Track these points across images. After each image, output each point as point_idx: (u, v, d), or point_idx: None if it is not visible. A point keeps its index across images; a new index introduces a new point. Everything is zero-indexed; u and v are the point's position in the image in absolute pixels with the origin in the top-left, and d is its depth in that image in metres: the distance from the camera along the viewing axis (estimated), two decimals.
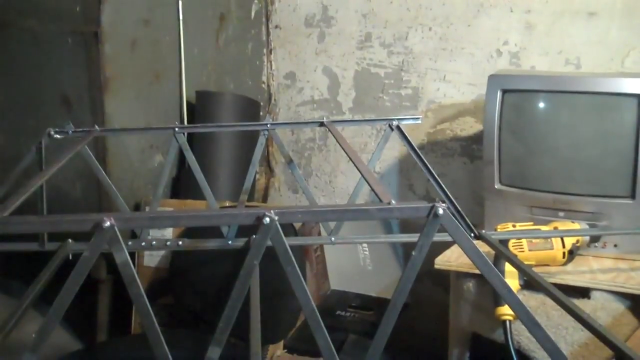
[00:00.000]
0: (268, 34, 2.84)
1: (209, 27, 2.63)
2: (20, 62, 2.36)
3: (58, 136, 1.42)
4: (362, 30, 2.63)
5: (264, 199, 2.87)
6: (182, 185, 2.43)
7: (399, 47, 2.56)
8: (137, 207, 2.31)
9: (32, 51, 2.33)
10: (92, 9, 2.21)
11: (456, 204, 1.35)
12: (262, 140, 1.46)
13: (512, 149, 1.87)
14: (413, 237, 1.43)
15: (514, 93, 1.86)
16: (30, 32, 2.34)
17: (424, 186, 2.57)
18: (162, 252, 2.27)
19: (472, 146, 2.44)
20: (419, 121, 1.47)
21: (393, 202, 0.78)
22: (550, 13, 2.27)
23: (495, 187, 1.88)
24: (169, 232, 2.24)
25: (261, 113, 2.77)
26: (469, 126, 2.45)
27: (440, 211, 0.75)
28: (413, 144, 1.38)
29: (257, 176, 2.83)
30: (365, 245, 2.50)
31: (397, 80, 2.57)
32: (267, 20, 2.83)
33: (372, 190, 0.87)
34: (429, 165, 1.36)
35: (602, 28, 2.20)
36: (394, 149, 2.58)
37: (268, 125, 1.45)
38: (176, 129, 1.43)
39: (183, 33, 2.45)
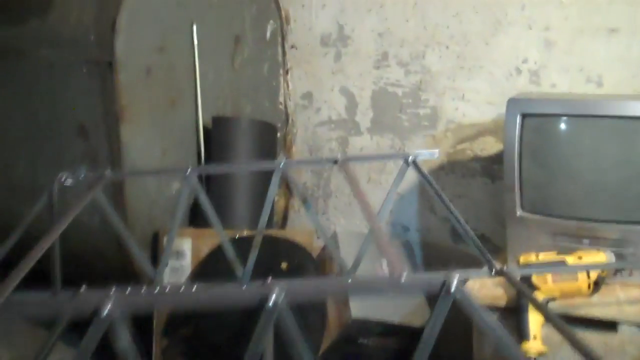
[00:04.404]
0: (284, 54, 2.82)
1: (224, 50, 2.61)
2: (36, 91, 2.37)
3: (69, 183, 1.40)
4: (379, 50, 2.59)
5: (284, 221, 2.84)
6: (201, 212, 2.41)
7: (416, 66, 2.52)
8: (155, 238, 2.29)
9: (47, 80, 2.33)
10: (107, 38, 2.20)
11: (477, 240, 1.31)
12: (275, 180, 1.43)
13: (533, 175, 1.82)
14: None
15: (534, 117, 1.82)
16: (45, 61, 2.34)
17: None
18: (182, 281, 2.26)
19: (492, 166, 2.39)
20: (436, 156, 1.43)
21: (405, 274, 0.75)
22: (570, 30, 2.23)
23: (517, 214, 1.83)
24: (187, 262, 2.23)
25: (278, 134, 2.75)
26: (489, 146, 2.40)
27: (453, 287, 0.72)
28: (431, 179, 1.34)
29: (276, 198, 2.80)
30: (385, 267, 2.45)
31: (415, 99, 2.54)
32: (283, 40, 2.81)
33: (384, 257, 0.83)
34: (448, 202, 1.32)
35: (624, 45, 2.15)
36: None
37: (281, 165, 1.42)
38: (188, 172, 1.41)
39: (198, 58, 2.43)
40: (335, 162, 1.44)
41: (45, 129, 2.36)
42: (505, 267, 1.36)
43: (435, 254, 2.53)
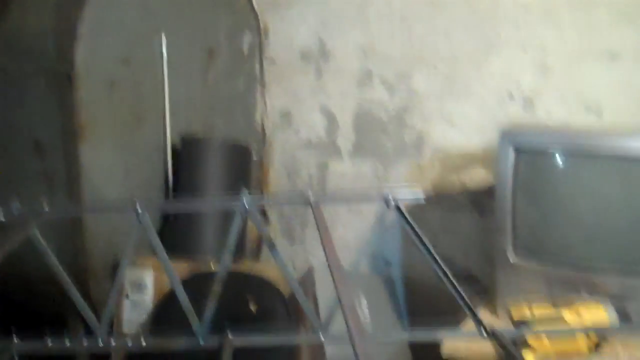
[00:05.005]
0: (262, 69, 2.64)
1: (196, 64, 2.43)
2: None
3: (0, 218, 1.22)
4: (362, 67, 2.42)
5: (258, 251, 2.64)
6: (165, 240, 2.22)
7: (402, 87, 2.35)
8: (115, 267, 2.10)
9: (3, 90, 2.15)
10: (66, 47, 2.02)
11: (467, 299, 1.14)
12: (237, 221, 1.25)
13: (528, 217, 1.66)
14: None
15: (528, 152, 1.65)
16: (1, 71, 2.16)
17: (432, 235, 2.34)
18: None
19: (482, 200, 2.22)
20: (421, 198, 1.25)
21: None
22: (568, 54, 2.07)
23: (510, 260, 1.66)
24: (149, 296, 2.05)
25: (255, 158, 2.57)
26: (479, 177, 2.23)
27: None
28: (414, 225, 1.17)
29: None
30: (365, 307, 2.27)
31: (401, 123, 2.36)
32: (261, 54, 2.63)
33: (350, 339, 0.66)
34: (434, 253, 1.14)
35: (626, 71, 2.00)
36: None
37: (245, 204, 1.25)
38: (139, 211, 1.23)
39: (167, 72, 2.24)
40: (307, 202, 1.27)
41: None
42: (496, 329, 1.19)
43: (420, 292, 2.35)
